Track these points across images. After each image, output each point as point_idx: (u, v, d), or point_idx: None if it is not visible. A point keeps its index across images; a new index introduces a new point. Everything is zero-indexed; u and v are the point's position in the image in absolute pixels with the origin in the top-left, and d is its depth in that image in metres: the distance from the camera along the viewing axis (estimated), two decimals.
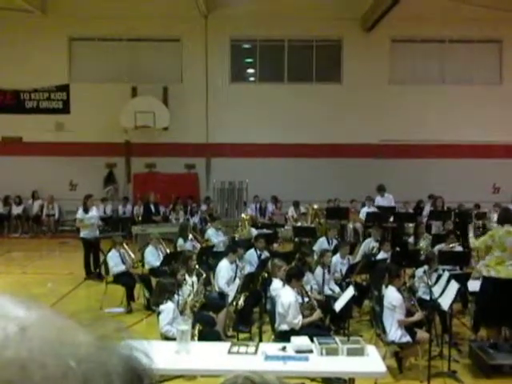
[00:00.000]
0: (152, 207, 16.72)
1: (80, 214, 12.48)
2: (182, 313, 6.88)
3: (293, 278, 7.03)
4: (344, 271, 9.45)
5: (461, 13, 18.40)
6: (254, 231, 13.00)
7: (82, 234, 12.47)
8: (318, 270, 9.07)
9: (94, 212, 12.63)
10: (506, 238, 7.43)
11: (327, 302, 8.13)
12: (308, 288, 8.01)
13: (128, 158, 19.79)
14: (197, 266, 8.41)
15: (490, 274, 7.48)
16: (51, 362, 0.53)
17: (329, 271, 9.25)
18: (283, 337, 6.46)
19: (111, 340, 0.60)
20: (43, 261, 14.87)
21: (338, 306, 6.90)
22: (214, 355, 5.50)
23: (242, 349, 5.58)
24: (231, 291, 8.29)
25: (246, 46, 20.51)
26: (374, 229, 11.94)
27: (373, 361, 5.41)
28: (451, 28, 18.97)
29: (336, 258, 9.76)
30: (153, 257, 10.56)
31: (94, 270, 12.24)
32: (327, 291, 9.05)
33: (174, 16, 18.77)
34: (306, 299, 7.47)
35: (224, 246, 11.45)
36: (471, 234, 8.25)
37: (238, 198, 18.96)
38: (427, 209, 15.96)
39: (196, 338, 6.40)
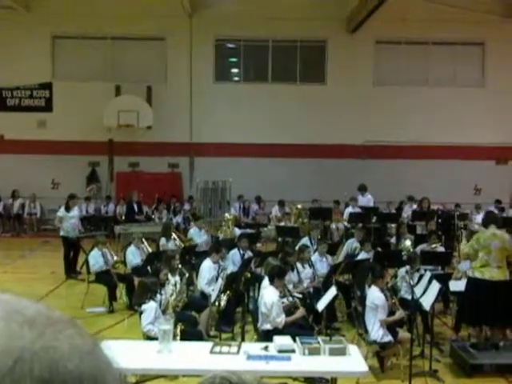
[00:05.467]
0: (135, 206, 16.63)
1: (62, 211, 12.46)
2: (164, 312, 6.85)
3: (275, 277, 7.02)
4: (323, 269, 9.55)
5: (444, 15, 18.57)
6: (238, 231, 12.98)
7: (62, 232, 12.47)
8: (299, 266, 9.14)
9: (75, 212, 12.63)
10: (491, 241, 7.47)
11: (310, 299, 8.15)
12: (290, 287, 8.02)
13: (111, 156, 19.66)
14: (180, 266, 8.39)
15: (474, 275, 7.54)
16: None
17: (309, 266, 9.31)
18: (266, 336, 6.46)
19: (61, 339, 0.62)
20: (25, 260, 14.71)
21: (321, 305, 6.91)
22: (196, 355, 5.48)
23: (225, 349, 5.57)
24: (213, 291, 8.27)
25: (231, 45, 20.49)
26: (357, 229, 11.98)
27: (355, 360, 5.42)
28: (435, 30, 19.08)
29: (315, 257, 9.84)
30: (134, 256, 10.52)
31: (75, 268, 12.17)
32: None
33: (158, 15, 18.68)
34: (290, 298, 7.48)
35: (207, 245, 11.43)
36: (464, 241, 8.22)
37: (222, 197, 18.96)
38: (407, 209, 16.01)
39: (178, 337, 6.37)
